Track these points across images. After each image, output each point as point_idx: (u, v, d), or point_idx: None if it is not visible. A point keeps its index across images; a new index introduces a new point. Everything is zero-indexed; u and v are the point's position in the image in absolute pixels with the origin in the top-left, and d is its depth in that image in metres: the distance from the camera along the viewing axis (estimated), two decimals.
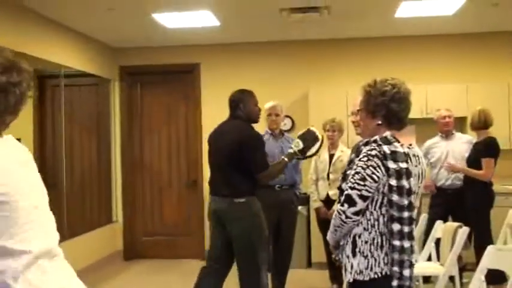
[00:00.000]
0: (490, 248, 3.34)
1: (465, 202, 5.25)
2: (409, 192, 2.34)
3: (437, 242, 4.58)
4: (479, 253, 4.24)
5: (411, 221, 2.35)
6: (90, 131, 6.92)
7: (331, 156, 5.55)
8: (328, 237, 2.60)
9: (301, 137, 4.03)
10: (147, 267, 6.91)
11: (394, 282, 2.35)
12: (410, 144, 2.50)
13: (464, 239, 4.13)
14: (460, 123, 6.26)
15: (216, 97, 7.15)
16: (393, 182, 2.33)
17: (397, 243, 2.34)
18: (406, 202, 2.33)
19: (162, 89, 7.45)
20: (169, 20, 5.91)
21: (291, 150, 4.07)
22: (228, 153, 4.02)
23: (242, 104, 4.19)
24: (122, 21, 6.02)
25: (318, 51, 7.11)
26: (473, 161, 5.22)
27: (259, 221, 4.04)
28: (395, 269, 2.35)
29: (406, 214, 2.33)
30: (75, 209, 6.30)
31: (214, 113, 7.10)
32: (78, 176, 6.55)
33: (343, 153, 5.40)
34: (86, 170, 6.75)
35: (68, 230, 5.83)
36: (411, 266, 2.36)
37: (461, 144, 5.61)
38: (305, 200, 6.57)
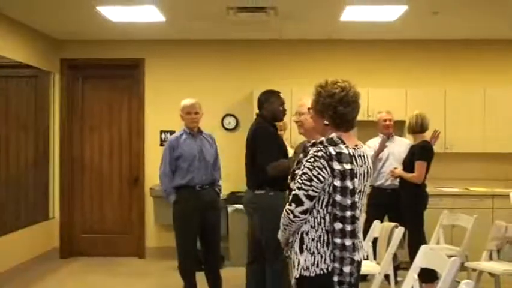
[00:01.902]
0: (423, 248, 3.45)
1: (400, 203, 5.41)
2: (353, 192, 2.41)
3: (375, 241, 4.68)
4: (413, 252, 4.37)
5: (354, 220, 2.42)
6: (27, 125, 6.66)
7: None
8: (278, 236, 2.65)
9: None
10: (84, 265, 6.74)
11: (335, 278, 2.43)
12: (356, 145, 2.56)
13: (399, 239, 4.25)
14: (398, 127, 6.45)
15: (160, 93, 7.10)
16: (337, 182, 2.39)
17: (338, 240, 2.42)
18: (349, 202, 2.40)
19: (105, 84, 7.30)
20: (114, 13, 5.78)
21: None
22: (247, 147, 4.56)
23: (267, 104, 4.49)
24: (65, 12, 5.84)
25: (264, 51, 7.15)
26: (409, 163, 5.38)
27: (271, 214, 3.97)
28: (336, 265, 2.43)
29: (348, 213, 2.40)
30: (8, 206, 6.07)
31: (157, 109, 7.07)
32: (13, 172, 6.31)
33: (295, 153, 5.43)
34: (21, 166, 6.51)
35: None
36: (352, 263, 2.43)
37: (401, 147, 5.77)
38: None
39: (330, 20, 6.12)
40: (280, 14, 5.75)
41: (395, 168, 5.56)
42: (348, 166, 2.40)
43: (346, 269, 2.41)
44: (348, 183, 2.39)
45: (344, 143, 2.46)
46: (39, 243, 6.82)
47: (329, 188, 2.42)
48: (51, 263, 6.70)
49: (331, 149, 2.42)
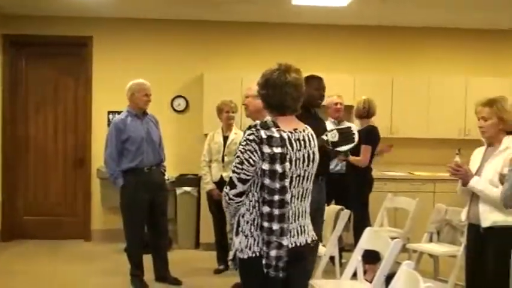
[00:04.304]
0: (367, 230, 3.55)
1: (347, 186, 5.52)
2: (283, 176, 2.42)
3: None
4: (357, 235, 4.47)
5: (282, 204, 2.43)
6: None
7: (225, 138, 5.59)
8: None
9: (340, 131, 3.88)
10: (28, 248, 6.57)
11: (263, 261, 2.45)
12: (296, 129, 2.56)
13: (345, 222, 4.34)
14: (347, 112, 6.54)
15: (108, 73, 6.94)
16: (266, 166, 2.41)
17: (265, 224, 2.43)
18: (277, 186, 2.41)
19: (51, 62, 7.06)
20: None
21: (324, 137, 3.83)
22: None
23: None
24: None
25: (215, 32, 7.08)
26: (355, 147, 5.47)
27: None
28: (264, 248, 2.44)
29: (276, 197, 2.42)
30: None
31: (105, 89, 6.91)
32: None
33: (237, 135, 5.45)
34: None
35: None
36: (280, 247, 2.43)
37: None
38: (195, 181, 6.59)
39: (282, 3, 6.12)
40: None
41: None
42: (278, 150, 2.41)
43: (273, 253, 2.42)
44: (277, 167, 2.40)
45: (277, 127, 2.46)
46: None
47: (260, 171, 2.43)
48: None
49: (263, 133, 2.43)
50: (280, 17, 6.80)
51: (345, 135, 3.83)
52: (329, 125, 5.88)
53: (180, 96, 7.10)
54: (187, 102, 7.09)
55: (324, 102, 6.13)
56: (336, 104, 5.93)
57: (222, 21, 7.02)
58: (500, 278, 3.10)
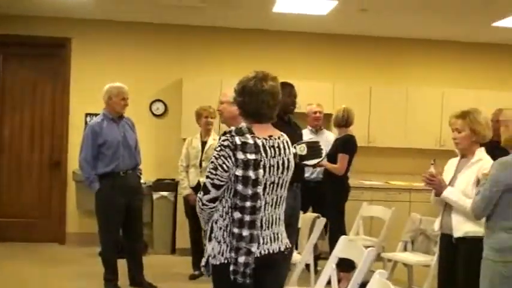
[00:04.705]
0: (341, 239, 3.56)
1: (323, 194, 5.54)
2: (255, 183, 2.42)
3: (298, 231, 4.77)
4: (333, 243, 4.49)
5: (254, 210, 2.43)
6: None
7: (203, 144, 5.58)
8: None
9: (308, 145, 3.83)
10: (0, 250, 6.45)
11: (231, 267, 2.44)
12: (271, 136, 2.57)
13: (320, 229, 4.36)
14: (325, 120, 6.58)
15: (86, 75, 6.88)
16: (239, 172, 2.41)
17: (235, 230, 2.43)
18: (250, 192, 2.41)
19: (28, 63, 6.98)
20: None
21: (293, 150, 3.86)
22: None
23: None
24: None
25: (195, 37, 7.07)
26: (332, 156, 5.52)
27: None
28: (232, 254, 2.44)
29: (248, 204, 2.42)
30: None
31: (83, 92, 6.85)
32: None
33: (215, 141, 5.44)
34: None
35: None
36: (248, 253, 2.43)
37: (327, 140, 5.88)
38: (172, 186, 6.56)
39: (263, 10, 6.15)
40: (213, 1, 5.72)
41: None
42: (252, 156, 2.42)
43: (241, 259, 2.42)
44: (251, 173, 2.41)
45: (252, 133, 2.47)
46: None
47: (233, 177, 2.44)
48: None
49: (237, 139, 2.43)
50: (260, 23, 6.83)
51: (313, 149, 3.82)
52: (307, 133, 5.94)
53: (159, 100, 7.07)
54: (166, 106, 7.07)
55: (304, 110, 6.21)
56: (315, 112, 5.98)
57: (202, 26, 7.02)
58: (471, 287, 3.14)
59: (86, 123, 6.78)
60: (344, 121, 5.52)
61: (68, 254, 6.43)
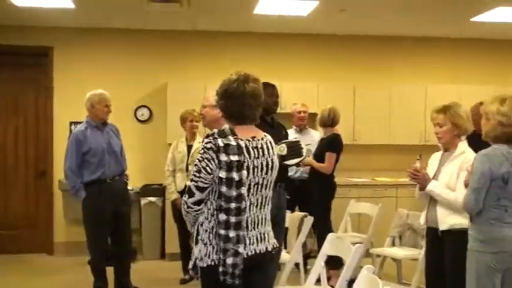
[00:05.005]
0: (330, 236, 3.59)
1: (309, 192, 5.57)
2: (239, 184, 2.43)
3: (285, 230, 4.79)
4: (320, 241, 4.51)
5: (239, 211, 2.44)
6: None
7: (189, 147, 5.59)
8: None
9: (288, 144, 3.84)
10: None
11: (220, 269, 2.45)
12: (254, 137, 2.58)
13: (308, 228, 4.38)
14: (310, 120, 6.61)
15: (70, 84, 6.85)
16: (223, 174, 2.42)
17: (222, 232, 2.44)
18: (234, 194, 2.43)
19: (10, 72, 6.92)
20: None
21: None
22: None
23: None
24: None
25: (177, 42, 7.08)
26: (319, 155, 5.55)
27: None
28: (220, 256, 2.45)
29: (233, 205, 2.43)
30: None
31: (67, 100, 6.81)
32: None
33: (201, 144, 5.43)
34: None
35: None
36: (236, 254, 2.44)
37: (313, 139, 5.92)
38: (160, 191, 6.55)
39: (244, 13, 6.16)
40: (194, 5, 5.73)
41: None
42: (234, 158, 2.43)
43: (229, 261, 2.43)
44: (234, 175, 2.42)
45: (235, 135, 2.48)
46: None
47: (217, 179, 2.45)
48: None
49: (220, 141, 2.44)
50: (242, 26, 6.84)
51: (293, 148, 3.83)
52: (293, 132, 5.97)
53: (143, 106, 7.05)
54: (151, 112, 7.05)
55: (289, 111, 6.24)
56: (300, 112, 6.02)
57: (184, 31, 7.02)
58: (458, 279, 3.17)
59: (70, 131, 6.73)
60: (330, 121, 5.55)
61: (56, 264, 6.39)
